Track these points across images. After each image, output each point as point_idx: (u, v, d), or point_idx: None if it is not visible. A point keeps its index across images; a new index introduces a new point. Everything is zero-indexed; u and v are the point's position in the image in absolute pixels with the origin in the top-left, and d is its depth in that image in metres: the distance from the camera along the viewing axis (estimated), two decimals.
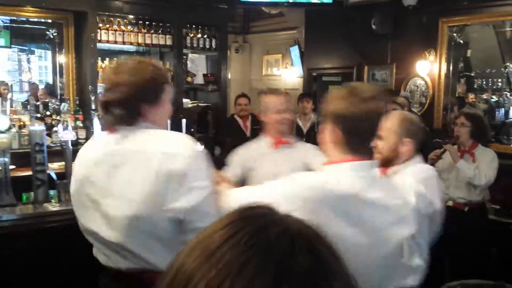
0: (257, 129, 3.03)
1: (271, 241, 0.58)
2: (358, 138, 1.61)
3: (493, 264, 3.81)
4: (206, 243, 0.60)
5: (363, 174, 1.59)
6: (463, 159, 3.75)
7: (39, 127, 3.24)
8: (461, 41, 5.78)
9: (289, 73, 7.81)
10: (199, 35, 5.85)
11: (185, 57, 6.00)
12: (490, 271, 3.66)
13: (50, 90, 5.79)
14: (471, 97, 6.15)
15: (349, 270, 0.62)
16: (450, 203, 3.79)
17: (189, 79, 6.00)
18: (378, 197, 1.57)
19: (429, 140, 4.76)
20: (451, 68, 5.62)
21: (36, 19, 5.31)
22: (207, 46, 5.91)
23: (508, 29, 6.34)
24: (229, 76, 6.90)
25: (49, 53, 6.25)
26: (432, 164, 3.82)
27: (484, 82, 6.26)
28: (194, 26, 5.81)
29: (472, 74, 6.35)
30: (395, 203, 1.62)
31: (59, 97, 5.48)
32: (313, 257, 0.58)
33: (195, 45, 5.83)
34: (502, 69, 6.41)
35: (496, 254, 3.83)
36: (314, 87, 7.24)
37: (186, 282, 0.57)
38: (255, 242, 0.57)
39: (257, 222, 0.61)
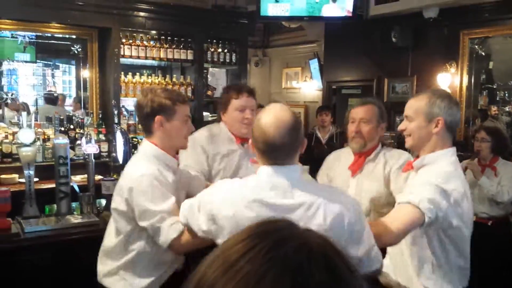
0: None
1: (288, 256, 0.59)
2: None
3: None
4: (227, 255, 0.61)
5: None
6: (485, 173, 3.71)
7: (63, 140, 3.31)
8: (483, 53, 5.73)
9: (308, 86, 7.82)
10: (220, 50, 5.92)
11: (205, 71, 6.07)
12: None
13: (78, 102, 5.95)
14: (493, 109, 6.07)
15: (365, 284, 0.63)
16: (473, 217, 3.73)
17: (209, 92, 6.06)
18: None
19: None
20: (472, 80, 5.57)
21: (61, 35, 5.43)
22: (227, 60, 5.96)
23: None
24: None
25: (73, 68, 6.39)
26: None
27: (507, 94, 6.17)
28: (214, 40, 5.88)
29: (494, 86, 6.27)
30: None
31: (82, 110, 5.58)
32: (329, 272, 0.59)
33: (215, 59, 5.89)
34: None
35: None
36: (333, 100, 7.23)
37: None
38: (273, 256, 0.59)
39: (276, 236, 0.63)
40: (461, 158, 4.09)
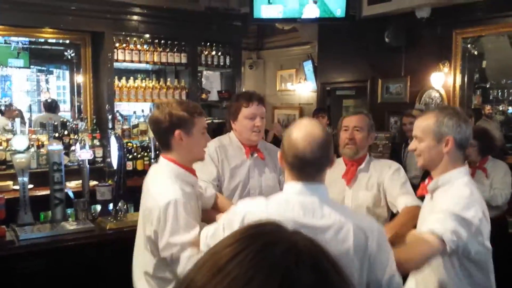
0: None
1: (276, 259, 0.59)
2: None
3: None
4: (215, 259, 0.61)
5: None
6: (476, 176, 3.70)
7: (57, 146, 3.30)
8: (476, 52, 5.75)
9: (303, 88, 7.83)
10: (214, 53, 5.92)
11: (199, 74, 6.07)
12: None
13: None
14: (487, 108, 6.10)
15: (354, 286, 0.63)
16: None
17: (203, 96, 6.06)
18: None
19: None
20: (466, 79, 5.58)
21: (54, 40, 5.42)
22: (221, 63, 5.97)
23: None
24: None
25: (67, 73, 6.38)
26: None
27: (500, 93, 6.20)
28: (208, 43, 5.88)
29: (488, 86, 6.30)
30: None
31: (76, 116, 5.57)
32: (317, 275, 0.59)
33: (209, 62, 5.89)
34: None
35: None
36: (328, 101, 7.25)
37: None
38: (261, 260, 0.59)
39: (264, 239, 0.63)
40: None
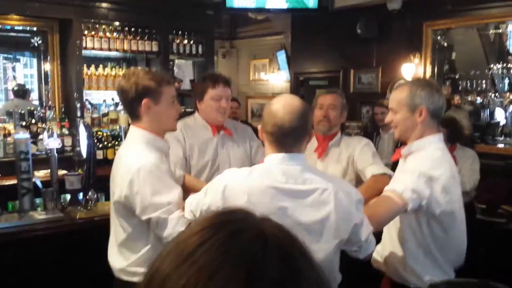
0: None
1: (243, 247, 0.58)
2: None
3: (483, 263, 3.84)
4: (182, 247, 0.60)
5: None
6: None
7: (23, 135, 3.21)
8: (446, 44, 5.85)
9: (276, 78, 7.83)
10: (186, 41, 5.85)
11: (171, 63, 5.99)
12: (480, 271, 3.69)
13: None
14: (456, 98, 6.22)
15: (325, 275, 0.62)
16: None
17: (176, 84, 5.99)
18: None
19: None
20: (436, 70, 5.68)
21: (21, 27, 5.26)
22: (194, 52, 5.91)
23: (491, 31, 6.44)
24: None
25: (34, 60, 6.20)
26: None
27: (469, 84, 6.33)
28: (180, 32, 5.81)
29: (457, 77, 6.42)
30: None
31: (44, 104, 5.43)
32: (285, 263, 0.58)
33: (181, 51, 5.82)
34: (486, 70, 6.49)
35: (485, 253, 3.86)
36: (301, 91, 7.27)
37: (160, 287, 0.57)
38: (228, 248, 0.57)
39: (231, 227, 0.61)
40: None
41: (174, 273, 0.57)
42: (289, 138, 1.68)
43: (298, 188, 1.66)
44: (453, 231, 2.03)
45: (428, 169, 1.90)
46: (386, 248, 2.14)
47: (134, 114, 2.07)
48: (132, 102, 2.04)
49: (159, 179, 1.94)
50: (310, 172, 1.71)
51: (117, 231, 2.10)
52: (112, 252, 2.15)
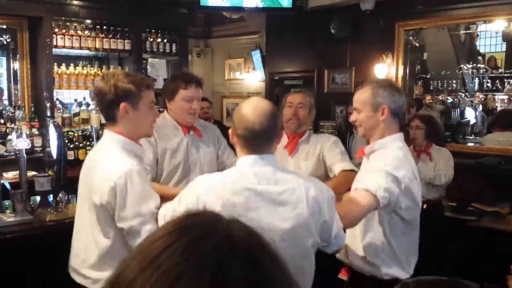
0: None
1: (207, 252, 0.56)
2: None
3: (453, 261, 3.91)
4: (147, 252, 0.58)
5: None
6: (421, 159, 3.86)
7: None
8: (417, 44, 5.93)
9: (251, 77, 7.83)
10: (159, 40, 5.80)
11: (144, 62, 5.93)
12: (450, 268, 3.75)
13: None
14: (428, 98, 6.32)
15: (294, 279, 0.61)
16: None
17: None
18: None
19: None
20: (407, 70, 5.75)
21: None
22: (167, 51, 5.85)
23: (462, 32, 6.57)
24: None
25: (3, 59, 6.04)
26: None
27: (440, 84, 6.45)
28: (153, 30, 5.75)
29: (428, 76, 6.53)
30: None
31: (13, 104, 5.30)
32: (251, 267, 0.57)
33: (154, 49, 5.76)
34: (457, 70, 6.62)
35: (456, 251, 3.93)
36: (276, 91, 7.28)
37: None
38: (191, 254, 0.56)
39: (196, 231, 0.60)
40: None
41: (137, 278, 0.55)
42: (260, 140, 1.71)
43: (270, 189, 1.68)
44: (411, 229, 2.15)
45: (392, 169, 1.98)
46: (348, 239, 2.20)
47: (110, 118, 2.02)
48: (109, 105, 1.98)
49: (141, 187, 1.90)
50: (281, 172, 1.74)
51: (98, 239, 2.00)
52: (88, 261, 2.04)
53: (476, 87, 6.69)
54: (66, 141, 4.15)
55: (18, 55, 5.12)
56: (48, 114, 4.77)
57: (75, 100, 5.43)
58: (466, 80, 6.77)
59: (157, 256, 0.56)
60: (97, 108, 2.20)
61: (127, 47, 5.48)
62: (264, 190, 1.67)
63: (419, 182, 2.14)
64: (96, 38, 5.28)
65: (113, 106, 1.97)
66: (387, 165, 2.00)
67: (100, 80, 2.09)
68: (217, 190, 1.68)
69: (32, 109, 4.90)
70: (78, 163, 4.55)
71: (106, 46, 5.34)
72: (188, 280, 0.53)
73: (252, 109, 1.70)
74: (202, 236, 0.59)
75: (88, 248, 2.05)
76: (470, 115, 6.58)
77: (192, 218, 0.64)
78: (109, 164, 1.95)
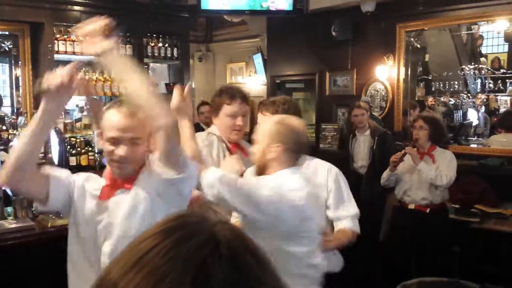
0: None
1: (190, 253, 0.56)
2: None
3: (457, 262, 3.89)
4: (134, 252, 0.59)
5: None
6: (423, 160, 3.83)
7: None
8: (419, 46, 5.93)
9: (253, 81, 7.83)
10: (160, 44, 5.80)
11: (146, 66, 5.93)
12: (455, 270, 3.73)
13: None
14: (430, 100, 6.31)
15: (281, 279, 0.61)
16: (412, 205, 3.88)
17: None
18: None
19: (391, 142, 4.85)
20: (409, 72, 5.74)
21: None
22: (169, 55, 5.86)
23: (463, 32, 6.55)
24: (193, 85, 6.85)
25: (6, 66, 6.06)
26: (394, 167, 3.90)
27: (442, 85, 6.43)
28: (155, 35, 5.75)
29: (430, 78, 6.51)
30: None
31: (16, 110, 5.31)
32: (234, 267, 0.57)
33: (156, 54, 5.77)
34: (459, 71, 6.60)
35: (459, 252, 3.91)
36: (278, 94, 7.28)
37: None
38: (174, 255, 0.56)
39: (181, 232, 0.60)
40: (400, 148, 4.24)
41: (122, 279, 0.56)
42: (304, 151, 2.01)
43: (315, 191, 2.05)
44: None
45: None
46: None
47: None
48: None
49: None
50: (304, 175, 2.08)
51: None
52: None
53: (478, 88, 6.67)
54: (68, 147, 4.15)
55: (20, 61, 5.13)
56: None
57: (77, 105, 5.44)
58: (468, 81, 6.75)
59: (141, 257, 0.57)
60: None
61: (129, 52, 5.48)
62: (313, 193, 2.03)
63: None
64: None
65: None
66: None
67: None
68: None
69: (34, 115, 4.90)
70: (80, 169, 4.55)
71: None
72: (171, 281, 0.53)
73: (300, 124, 1.97)
74: (187, 237, 0.59)
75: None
76: (473, 116, 6.56)
77: (177, 220, 0.64)
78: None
